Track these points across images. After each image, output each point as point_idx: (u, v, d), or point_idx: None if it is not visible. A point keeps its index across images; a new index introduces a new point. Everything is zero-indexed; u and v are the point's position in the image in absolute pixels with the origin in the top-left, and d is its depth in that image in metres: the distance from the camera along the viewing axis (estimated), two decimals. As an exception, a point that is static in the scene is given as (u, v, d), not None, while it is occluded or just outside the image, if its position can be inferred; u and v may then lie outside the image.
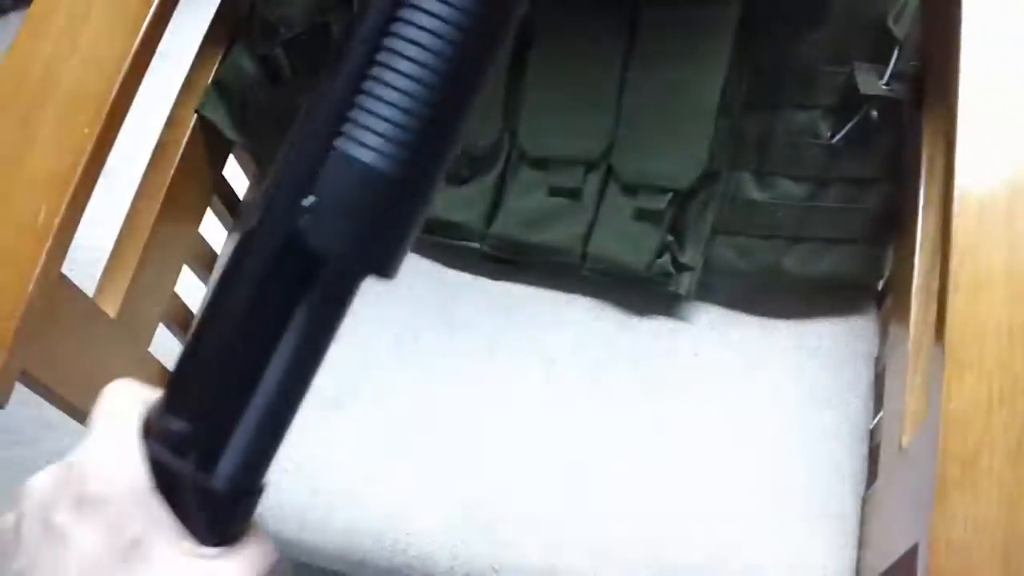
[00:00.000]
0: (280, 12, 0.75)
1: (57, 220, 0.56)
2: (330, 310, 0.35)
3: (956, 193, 0.55)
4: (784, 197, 0.75)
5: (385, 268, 0.34)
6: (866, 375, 0.77)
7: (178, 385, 0.36)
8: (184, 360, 0.35)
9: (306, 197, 0.33)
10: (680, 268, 0.77)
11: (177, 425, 0.35)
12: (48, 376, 0.58)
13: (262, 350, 0.34)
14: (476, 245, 0.81)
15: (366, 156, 0.32)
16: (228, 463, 0.35)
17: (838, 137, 0.71)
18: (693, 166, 0.73)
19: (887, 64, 0.70)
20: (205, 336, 0.35)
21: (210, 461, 0.35)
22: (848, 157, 0.73)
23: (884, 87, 0.69)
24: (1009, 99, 0.57)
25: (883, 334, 0.78)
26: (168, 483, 0.35)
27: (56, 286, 0.58)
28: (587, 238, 0.77)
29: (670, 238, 0.76)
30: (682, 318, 0.81)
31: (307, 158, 0.33)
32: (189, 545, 0.35)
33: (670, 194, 0.74)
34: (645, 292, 0.80)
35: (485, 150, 0.78)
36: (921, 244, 0.67)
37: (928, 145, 0.69)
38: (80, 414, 0.63)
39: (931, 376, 0.55)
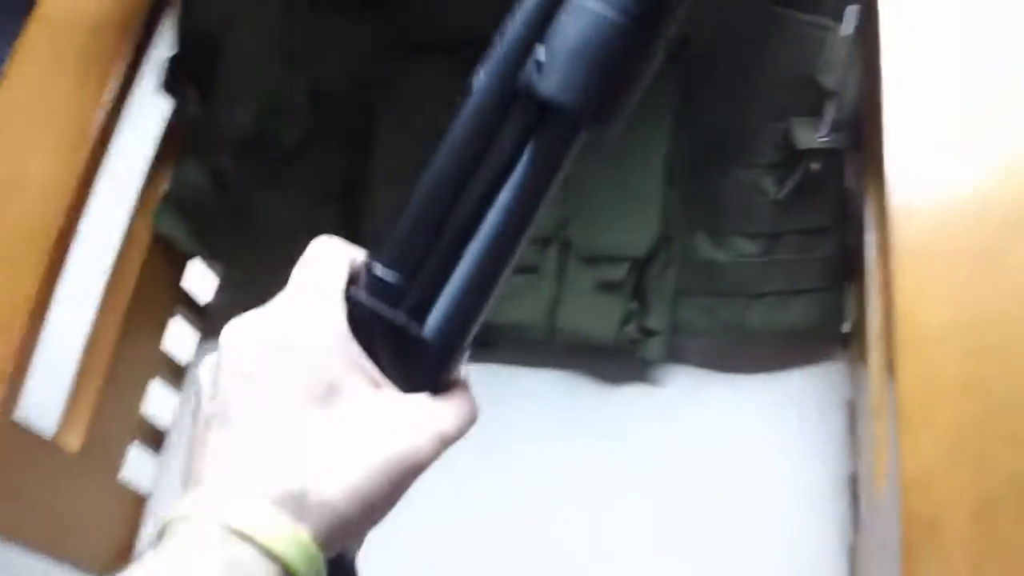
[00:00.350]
0: (226, 123, 0.76)
1: (8, 367, 0.56)
2: (550, 163, 0.36)
3: (892, 242, 0.55)
4: (740, 255, 0.75)
5: (609, 120, 0.36)
6: (843, 422, 0.77)
7: (393, 237, 0.36)
8: (401, 212, 0.36)
9: (537, 49, 0.34)
10: (647, 334, 0.78)
11: (389, 276, 0.36)
12: (12, 524, 0.57)
13: (481, 201, 0.35)
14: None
15: (603, 8, 0.34)
16: (440, 315, 0.35)
17: (783, 193, 0.72)
18: (647, 233, 0.74)
19: (823, 116, 0.70)
20: (424, 188, 0.36)
21: (421, 313, 0.35)
22: (797, 210, 0.73)
23: (822, 139, 0.70)
24: (937, 146, 0.57)
25: (854, 377, 0.78)
26: (370, 334, 0.35)
27: (9, 434, 0.58)
28: (552, 313, 0.78)
29: (634, 306, 0.77)
30: (655, 382, 0.81)
31: (540, 11, 0.35)
32: (389, 390, 0.35)
33: (628, 263, 0.75)
34: (617, 360, 0.80)
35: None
36: (872, 290, 0.67)
37: (870, 191, 0.69)
38: (54, 553, 0.62)
39: (889, 431, 0.54)
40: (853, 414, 0.77)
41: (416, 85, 0.75)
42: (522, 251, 0.36)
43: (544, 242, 0.76)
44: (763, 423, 0.78)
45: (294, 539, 0.32)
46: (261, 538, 0.32)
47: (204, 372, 0.37)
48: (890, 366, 0.52)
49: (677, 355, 0.80)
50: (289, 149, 0.77)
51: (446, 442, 0.35)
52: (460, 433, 0.36)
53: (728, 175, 0.74)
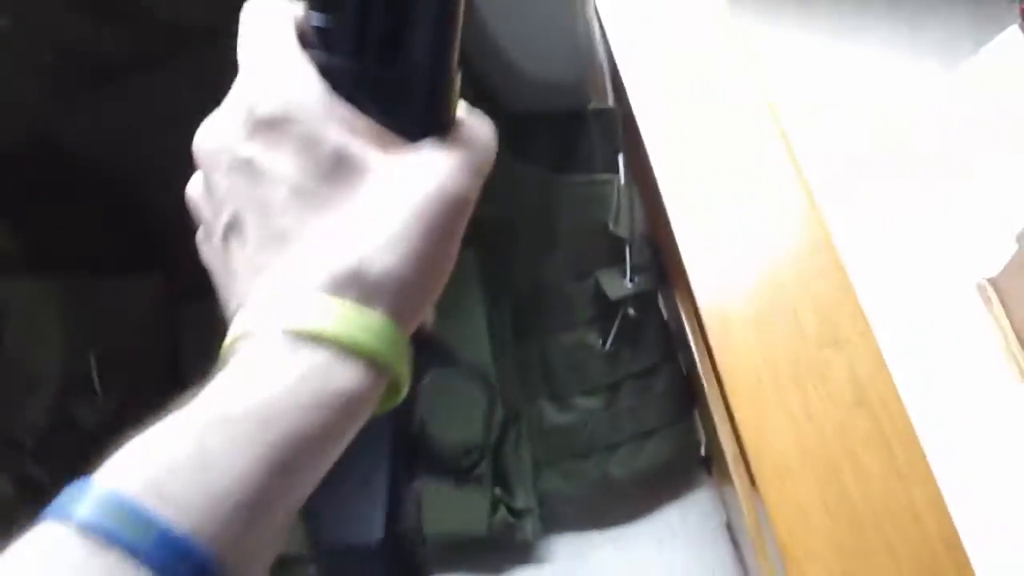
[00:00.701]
0: (18, 422, 0.70)
1: None
2: None
3: (722, 378, 0.56)
4: (584, 413, 0.75)
5: None
6: (727, 547, 0.77)
7: None
8: None
9: None
10: (518, 516, 0.75)
11: (341, 25, 0.31)
12: None
13: None
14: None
15: None
16: (414, 46, 0.31)
17: (608, 345, 0.73)
18: (491, 417, 0.73)
19: (625, 263, 0.72)
20: None
21: (391, 53, 0.31)
22: (625, 357, 0.74)
23: (630, 285, 0.72)
24: (734, 271, 0.59)
25: (724, 499, 0.78)
26: (347, 96, 0.30)
27: None
28: (417, 519, 0.74)
29: (498, 491, 0.75)
30: (539, 560, 0.78)
31: None
32: (397, 143, 0.31)
33: (479, 451, 0.73)
34: (496, 547, 0.77)
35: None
36: (717, 415, 0.68)
37: (688, 321, 0.71)
38: None
39: (773, 562, 0.54)
40: (733, 536, 0.77)
41: (217, 329, 0.72)
42: None
43: (391, 448, 0.74)
44: (653, 569, 0.76)
45: (367, 323, 0.28)
46: (330, 332, 0.27)
47: (192, 192, 0.32)
48: (755, 493, 0.52)
49: (552, 525, 0.78)
50: (96, 427, 0.72)
51: (478, 171, 0.31)
52: (487, 157, 0.32)
53: (552, 338, 0.75)
